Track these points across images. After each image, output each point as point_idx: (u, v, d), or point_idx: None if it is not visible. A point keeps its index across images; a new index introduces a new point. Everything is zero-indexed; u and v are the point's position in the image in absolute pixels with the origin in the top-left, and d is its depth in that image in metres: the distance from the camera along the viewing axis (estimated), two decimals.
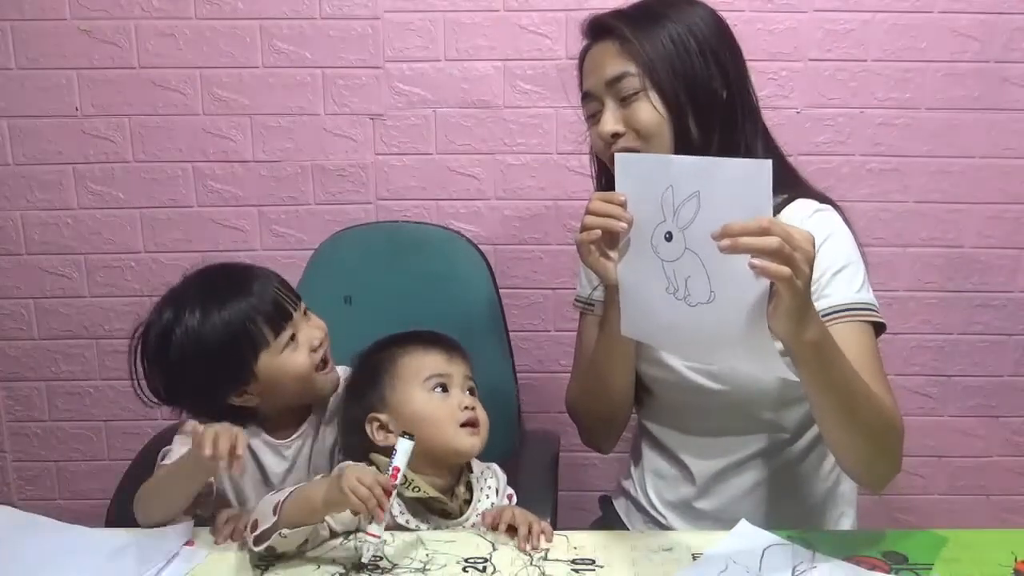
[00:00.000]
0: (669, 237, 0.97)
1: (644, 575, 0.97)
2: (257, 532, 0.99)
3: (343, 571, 0.99)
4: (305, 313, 1.23)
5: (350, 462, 1.07)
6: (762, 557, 0.98)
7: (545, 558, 1.01)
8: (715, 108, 1.12)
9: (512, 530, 1.06)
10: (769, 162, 0.86)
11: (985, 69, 1.81)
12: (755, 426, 1.21)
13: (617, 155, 1.05)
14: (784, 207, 1.16)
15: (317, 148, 1.87)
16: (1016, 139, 1.84)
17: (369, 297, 1.58)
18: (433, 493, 1.09)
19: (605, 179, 1.25)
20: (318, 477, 1.07)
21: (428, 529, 1.10)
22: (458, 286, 1.60)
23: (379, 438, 1.13)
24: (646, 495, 1.30)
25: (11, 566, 1.00)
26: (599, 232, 1.04)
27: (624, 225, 1.02)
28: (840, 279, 1.11)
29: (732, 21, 1.18)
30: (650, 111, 1.11)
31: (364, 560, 0.98)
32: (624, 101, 1.13)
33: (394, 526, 1.08)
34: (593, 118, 1.19)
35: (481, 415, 1.14)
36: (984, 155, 1.85)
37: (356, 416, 1.15)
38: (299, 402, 1.24)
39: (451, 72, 1.83)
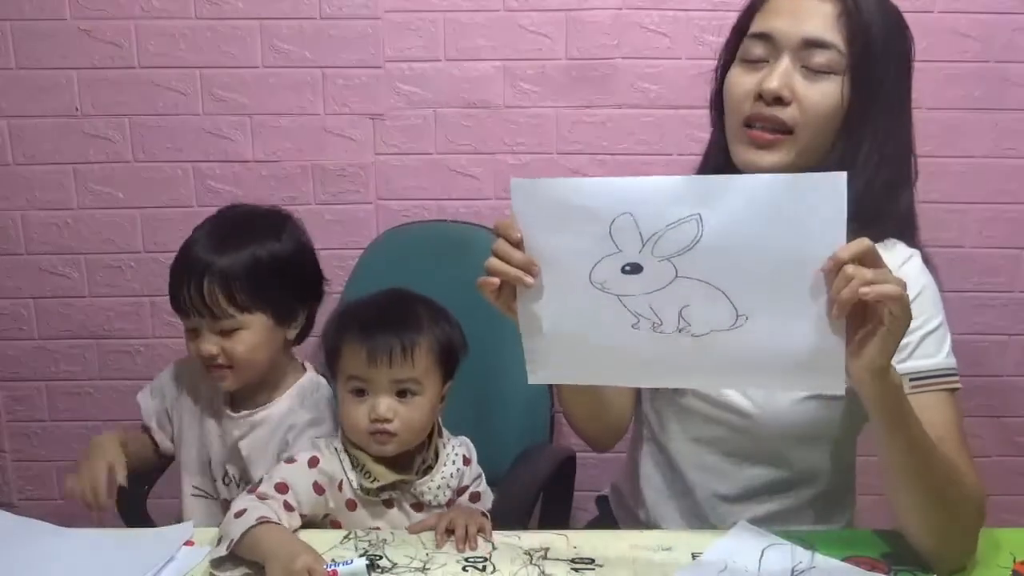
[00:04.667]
0: (633, 270, 0.88)
1: (644, 575, 0.97)
2: (212, 558, 1.00)
3: None
4: (226, 332, 1.19)
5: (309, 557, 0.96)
6: (761, 557, 0.98)
7: (545, 557, 1.01)
8: (901, 121, 1.06)
9: (452, 532, 1.05)
10: (844, 175, 0.81)
11: (985, 69, 1.81)
12: (776, 459, 1.13)
13: (517, 181, 0.89)
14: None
15: (317, 148, 1.87)
16: (1016, 139, 1.84)
17: None
18: (390, 480, 1.10)
19: (718, 134, 1.13)
20: (272, 520, 1.02)
21: (396, 496, 1.11)
22: None
23: None
24: (641, 503, 1.26)
25: (10, 569, 1.00)
26: (498, 282, 0.92)
27: (531, 281, 0.90)
28: (931, 341, 1.03)
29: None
30: (832, 97, 1.00)
31: None
32: (807, 71, 1.01)
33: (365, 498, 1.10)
34: (752, 64, 1.04)
35: (398, 424, 1.08)
36: (984, 155, 1.85)
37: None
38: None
39: (451, 72, 1.83)
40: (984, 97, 1.82)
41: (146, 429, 1.35)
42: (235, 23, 1.81)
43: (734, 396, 1.11)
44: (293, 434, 1.24)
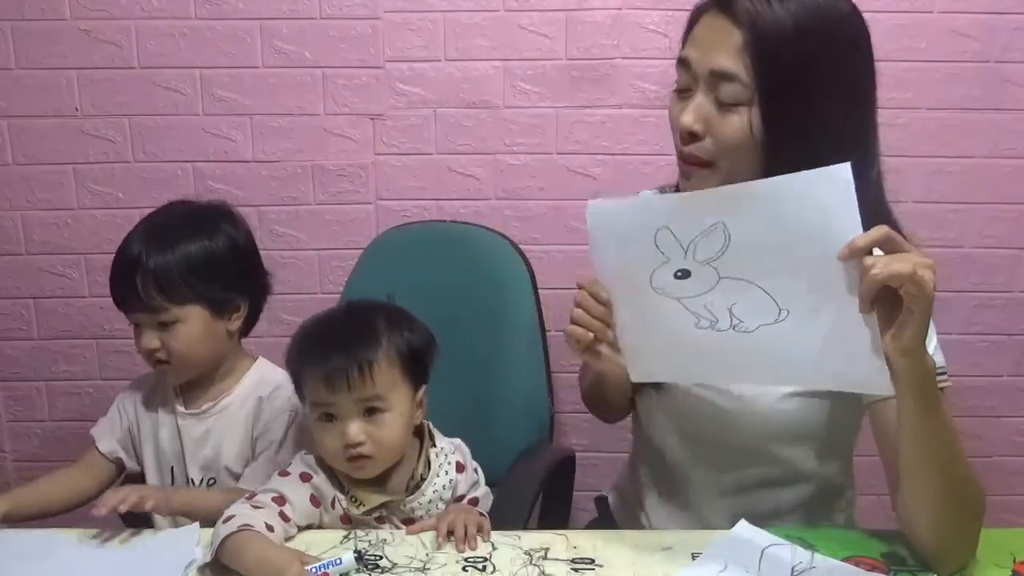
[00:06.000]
0: (683, 275, 0.93)
1: (644, 575, 0.97)
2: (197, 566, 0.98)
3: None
4: (165, 326, 1.21)
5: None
6: (761, 557, 0.98)
7: (545, 557, 1.01)
8: (824, 139, 0.97)
9: (452, 533, 1.04)
10: (847, 166, 0.80)
11: (985, 69, 1.81)
12: (763, 457, 1.13)
13: (591, 204, 0.97)
14: None
15: (317, 148, 1.87)
16: (1016, 139, 1.84)
17: (412, 295, 1.57)
18: (377, 503, 1.09)
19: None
20: (261, 527, 1.00)
21: (386, 514, 1.11)
22: (496, 287, 1.60)
23: None
24: (640, 504, 1.26)
25: None
26: (591, 336, 1.00)
27: (612, 335, 1.00)
28: None
29: None
30: (742, 129, 0.97)
31: None
32: (719, 102, 0.98)
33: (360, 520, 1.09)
34: (681, 93, 1.03)
35: (371, 446, 1.06)
36: (984, 155, 1.85)
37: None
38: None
39: (451, 72, 1.83)
40: (984, 97, 1.82)
41: (104, 455, 1.33)
42: (235, 23, 1.81)
43: (716, 394, 1.12)
44: (265, 406, 1.27)
